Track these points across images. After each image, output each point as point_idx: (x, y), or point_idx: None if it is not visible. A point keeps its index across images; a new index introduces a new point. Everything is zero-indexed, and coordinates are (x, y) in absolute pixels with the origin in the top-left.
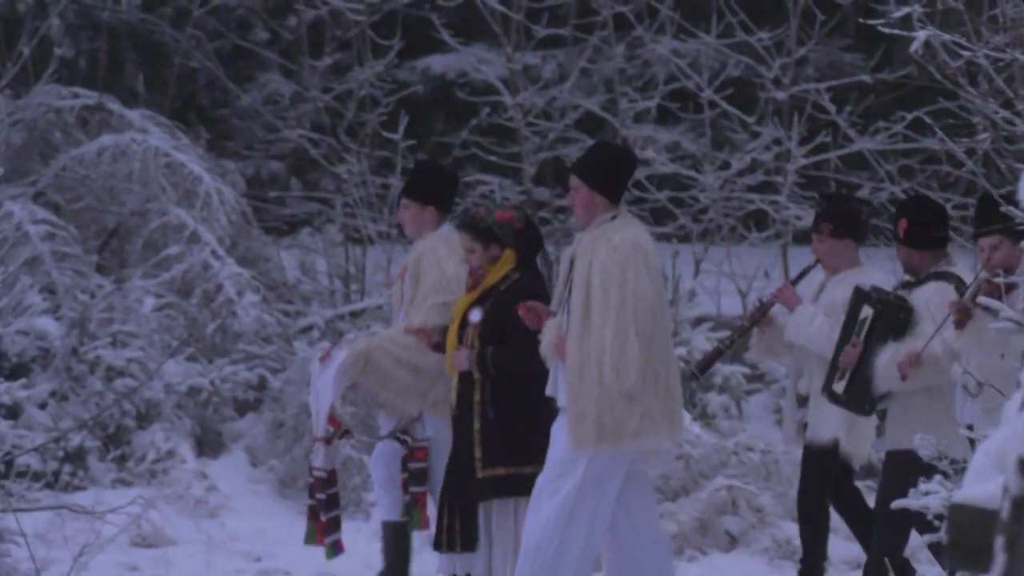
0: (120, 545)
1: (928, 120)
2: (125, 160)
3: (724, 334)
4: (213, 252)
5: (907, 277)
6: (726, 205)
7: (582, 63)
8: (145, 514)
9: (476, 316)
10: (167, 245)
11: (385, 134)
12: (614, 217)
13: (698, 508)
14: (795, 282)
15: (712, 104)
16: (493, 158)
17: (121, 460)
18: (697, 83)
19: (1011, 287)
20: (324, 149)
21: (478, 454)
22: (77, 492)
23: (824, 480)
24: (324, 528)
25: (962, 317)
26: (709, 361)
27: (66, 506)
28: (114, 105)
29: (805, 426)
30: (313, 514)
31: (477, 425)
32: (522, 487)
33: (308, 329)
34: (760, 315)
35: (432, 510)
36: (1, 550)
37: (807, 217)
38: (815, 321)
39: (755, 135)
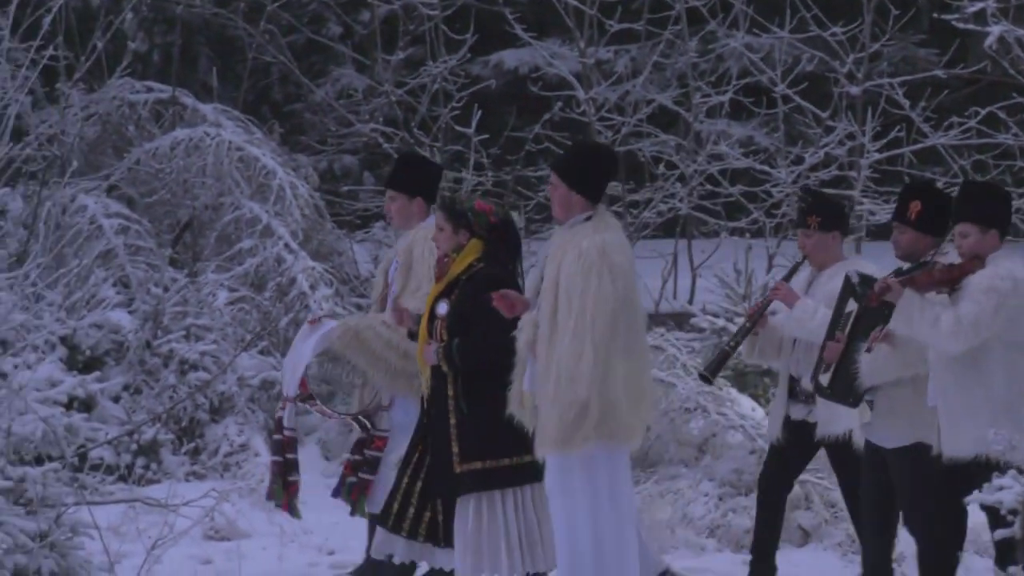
0: (193, 538)
1: (1002, 115)
2: (199, 154)
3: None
4: (286, 246)
5: (902, 264)
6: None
7: (655, 58)
8: (218, 507)
9: (443, 309)
10: (240, 239)
11: (458, 128)
12: (589, 218)
13: None
14: (787, 279)
15: (786, 99)
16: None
17: (194, 453)
18: (771, 78)
19: (966, 273)
20: (397, 143)
21: (455, 449)
22: (150, 485)
23: (855, 471)
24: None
25: (880, 294)
26: (719, 364)
27: (139, 499)
28: (188, 99)
29: (799, 424)
30: (280, 472)
31: (452, 420)
32: (502, 480)
33: None
34: (760, 314)
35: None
36: (75, 543)
37: (881, 212)
38: (817, 315)
39: (829, 130)
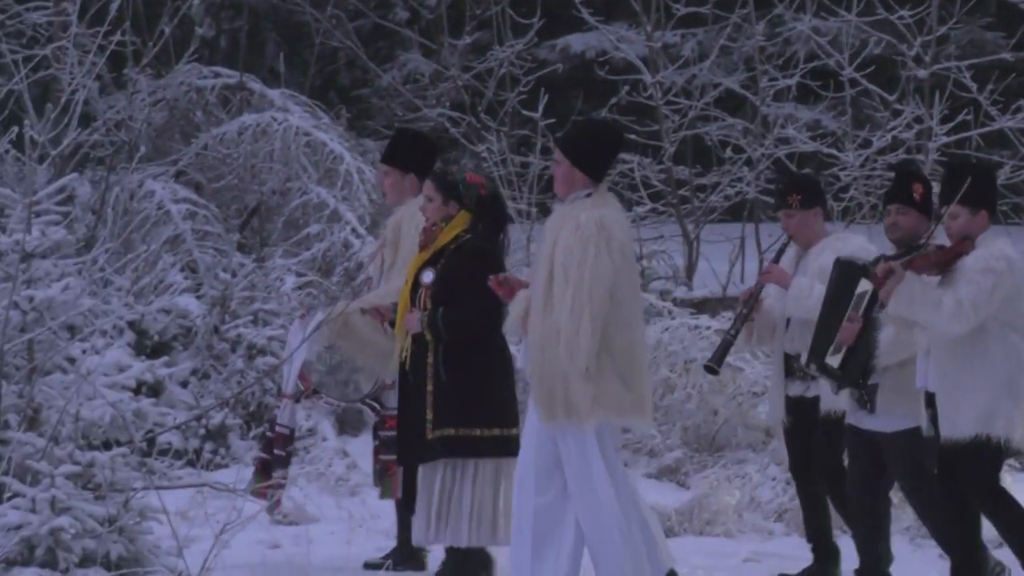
0: (261, 523)
1: None
2: (266, 139)
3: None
4: (354, 230)
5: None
6: (867, 184)
7: (722, 41)
8: (286, 492)
9: (428, 277)
10: (308, 224)
11: (525, 113)
12: (589, 194)
13: None
14: (776, 261)
15: (853, 82)
16: (632, 136)
17: (262, 438)
18: (838, 61)
19: (958, 255)
20: (464, 128)
21: (429, 415)
22: (219, 470)
23: (839, 451)
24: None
25: (885, 277)
26: (722, 354)
27: (208, 484)
28: (255, 84)
29: (807, 401)
30: (263, 468)
31: (429, 387)
32: (472, 449)
33: None
34: (755, 299)
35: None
36: (143, 528)
37: None
38: (813, 292)
39: (896, 113)
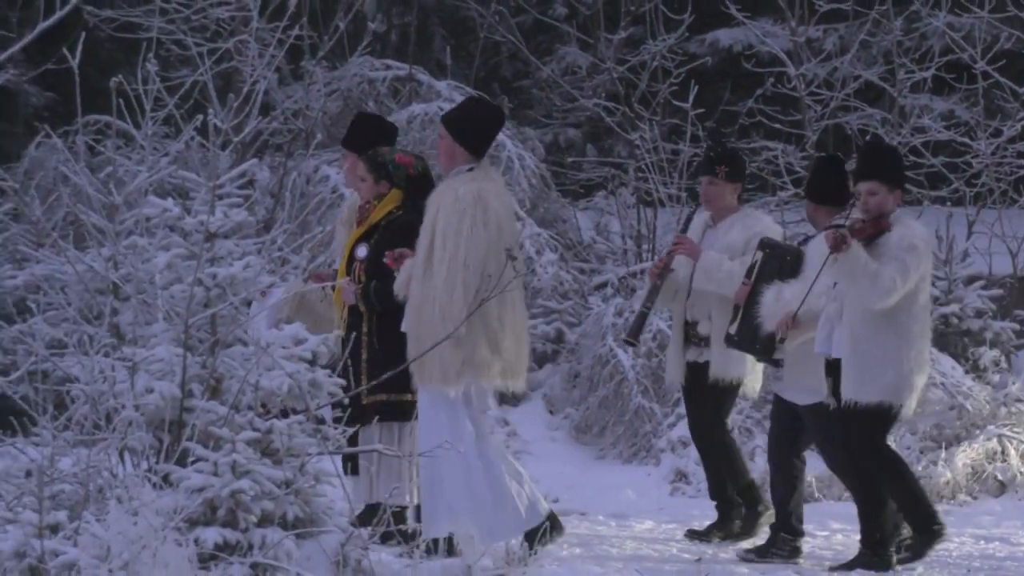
0: None
1: None
2: (433, 127)
3: (996, 292)
4: (515, 213)
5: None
6: (998, 170)
7: (862, 36)
8: None
9: (362, 252)
10: None
11: (675, 103)
12: (471, 169)
13: (970, 456)
14: (684, 231)
15: (985, 75)
16: (777, 126)
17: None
18: (971, 55)
19: (881, 232)
20: (618, 117)
21: (364, 382)
22: None
23: (722, 413)
24: None
25: (838, 244)
26: (638, 327)
27: (377, 449)
28: (423, 76)
29: (698, 366)
30: None
31: (364, 356)
32: (401, 413)
33: (602, 286)
34: (666, 270)
35: None
36: (318, 491)
37: None
38: (723, 266)
39: None
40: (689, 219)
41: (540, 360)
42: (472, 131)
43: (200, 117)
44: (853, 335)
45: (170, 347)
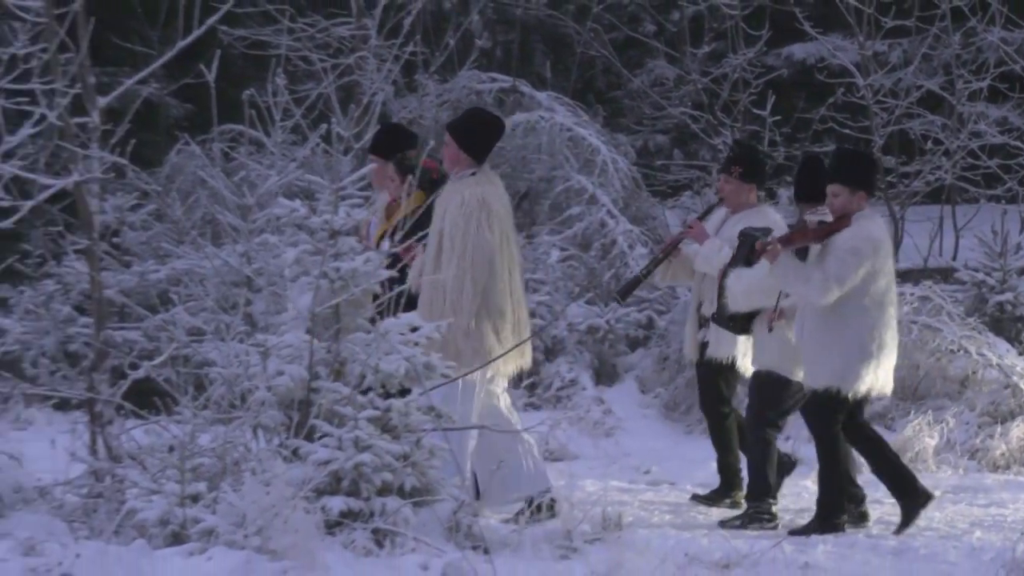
0: None
1: None
2: (534, 135)
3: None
4: (608, 212)
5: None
6: None
7: (924, 50)
8: (552, 433)
9: (386, 246)
10: (570, 206)
11: (754, 111)
12: (474, 173)
13: (1023, 431)
14: (701, 219)
15: None
16: (847, 131)
17: (532, 388)
18: (1022, 66)
19: (835, 230)
20: (702, 124)
21: None
22: None
23: (723, 391)
24: None
25: (770, 255)
26: (629, 288)
27: (486, 426)
28: (525, 88)
29: (705, 345)
30: None
31: None
32: None
33: None
34: (673, 247)
35: None
36: (432, 463)
37: None
38: (720, 253)
39: None
40: (709, 210)
41: (633, 344)
42: (475, 139)
43: (324, 126)
44: (803, 326)
45: (298, 334)
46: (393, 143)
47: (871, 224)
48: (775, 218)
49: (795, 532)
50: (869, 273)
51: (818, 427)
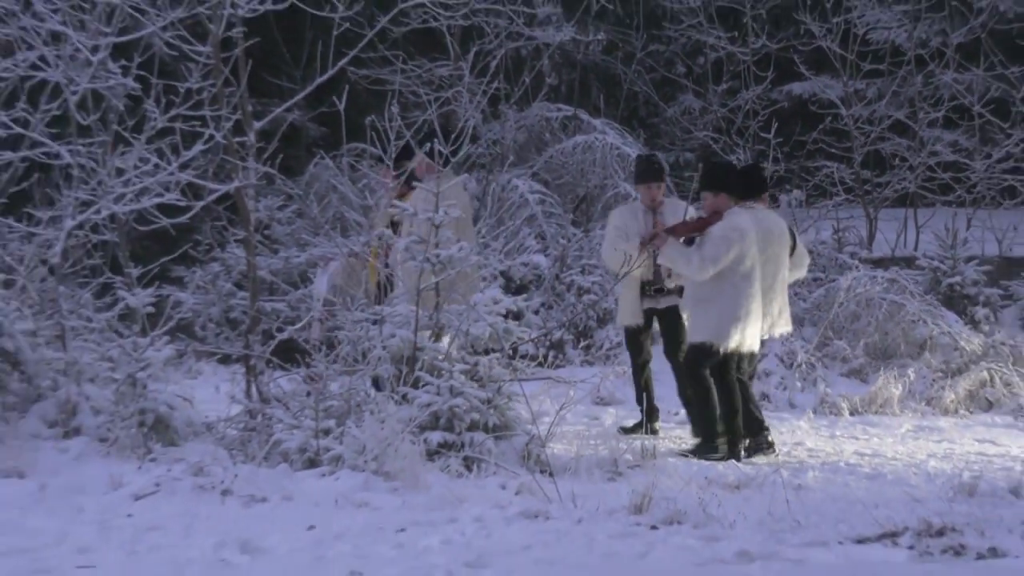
0: (585, 403)
1: None
2: (591, 152)
3: (986, 268)
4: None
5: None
6: (988, 182)
7: (893, 87)
8: (602, 383)
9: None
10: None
11: (761, 134)
12: (437, 177)
13: (968, 383)
14: (693, 223)
15: (980, 115)
16: (833, 150)
17: (587, 348)
18: (970, 101)
19: (709, 224)
20: (721, 144)
21: None
22: (558, 368)
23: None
24: None
25: (657, 243)
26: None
27: (552, 378)
28: (584, 116)
29: (646, 311)
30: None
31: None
32: None
33: None
34: (644, 253)
35: None
36: (510, 406)
37: None
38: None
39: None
40: (685, 218)
41: None
42: (436, 154)
43: (428, 145)
44: (692, 295)
45: (407, 305)
46: (400, 156)
47: (739, 218)
48: (736, 219)
49: (682, 454)
50: (737, 255)
51: (692, 370)
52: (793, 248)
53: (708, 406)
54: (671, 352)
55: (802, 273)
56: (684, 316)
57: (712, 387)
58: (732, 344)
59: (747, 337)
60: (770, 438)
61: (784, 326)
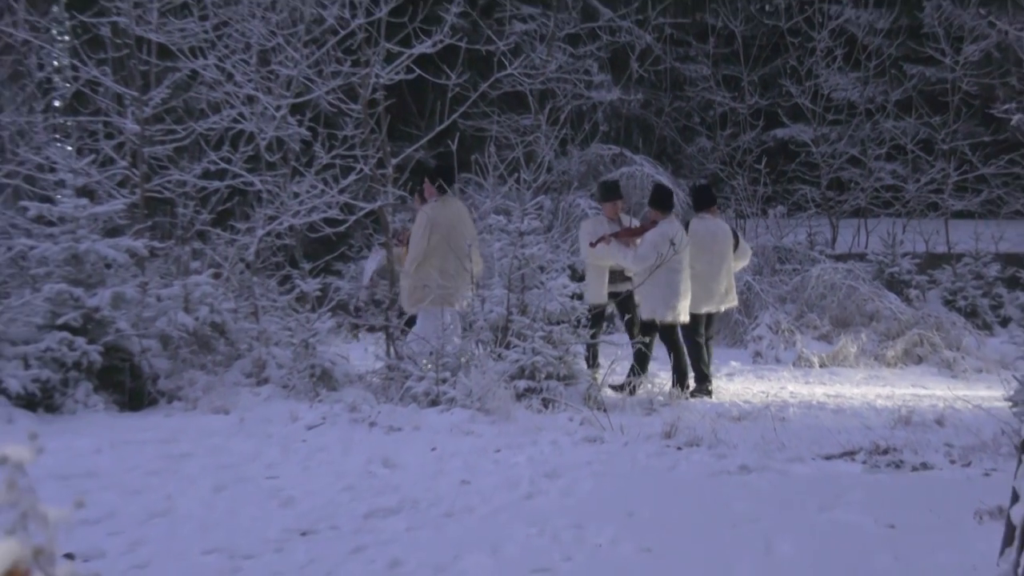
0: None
1: None
2: (632, 179)
3: (916, 261)
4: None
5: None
6: (919, 200)
7: (849, 131)
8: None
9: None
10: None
11: (755, 166)
12: (437, 200)
13: (903, 344)
14: (635, 230)
15: (913, 152)
16: (807, 177)
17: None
18: (905, 142)
19: (646, 229)
20: (725, 173)
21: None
22: (609, 335)
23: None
24: None
25: (604, 242)
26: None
27: (605, 341)
28: (627, 153)
29: (612, 293)
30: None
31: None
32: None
33: None
34: (599, 241)
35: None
36: (576, 361)
37: None
38: (618, 249)
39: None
40: (641, 226)
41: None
42: (437, 180)
43: (517, 174)
44: (636, 282)
45: (502, 289)
46: (421, 181)
47: (669, 227)
48: (673, 227)
49: (691, 395)
50: (665, 254)
51: (647, 336)
52: (736, 245)
53: (692, 360)
54: (628, 326)
55: (745, 262)
56: (636, 299)
57: (683, 347)
58: (669, 318)
59: (680, 312)
60: (710, 388)
61: (731, 302)
